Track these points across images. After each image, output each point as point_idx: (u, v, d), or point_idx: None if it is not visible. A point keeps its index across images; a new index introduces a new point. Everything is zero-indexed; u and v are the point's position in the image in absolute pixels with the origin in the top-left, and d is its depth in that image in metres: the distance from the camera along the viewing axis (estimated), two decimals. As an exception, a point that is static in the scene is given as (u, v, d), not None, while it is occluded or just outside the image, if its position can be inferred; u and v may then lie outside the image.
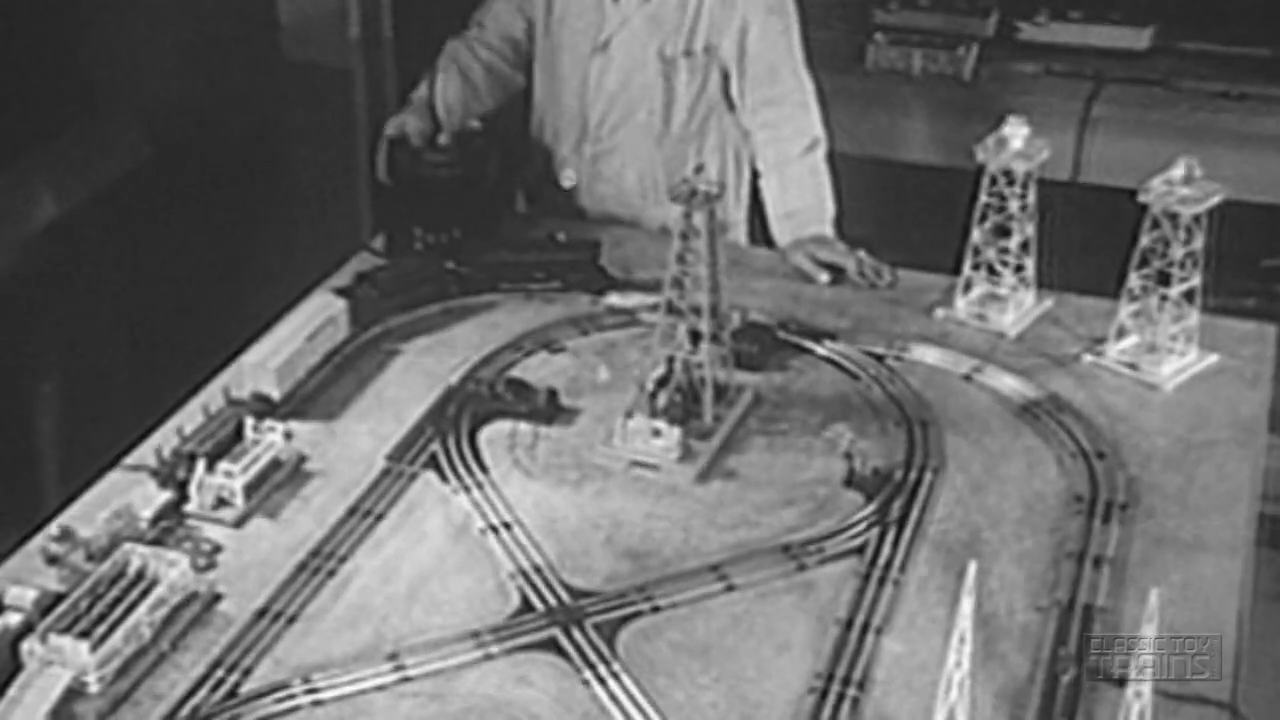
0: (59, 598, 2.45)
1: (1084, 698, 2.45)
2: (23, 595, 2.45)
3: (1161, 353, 2.80)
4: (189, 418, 2.76)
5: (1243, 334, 3.03)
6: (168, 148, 4.93)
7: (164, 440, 2.61)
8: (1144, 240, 2.75)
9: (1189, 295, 2.78)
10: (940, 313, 3.15)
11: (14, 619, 2.14)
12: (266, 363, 2.66)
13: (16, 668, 2.41)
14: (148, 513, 2.42)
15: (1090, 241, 3.96)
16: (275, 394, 2.62)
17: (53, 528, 2.57)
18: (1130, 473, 2.64)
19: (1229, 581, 2.37)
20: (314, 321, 2.74)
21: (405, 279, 3.48)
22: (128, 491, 2.54)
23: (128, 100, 4.64)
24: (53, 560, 2.54)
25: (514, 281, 3.04)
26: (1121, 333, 2.89)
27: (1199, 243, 2.68)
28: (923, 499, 2.61)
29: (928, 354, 2.98)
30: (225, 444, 2.57)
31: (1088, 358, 2.93)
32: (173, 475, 2.44)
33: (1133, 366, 2.85)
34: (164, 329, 4.65)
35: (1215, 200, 2.65)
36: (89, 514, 2.49)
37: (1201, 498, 2.55)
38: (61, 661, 2.32)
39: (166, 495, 2.49)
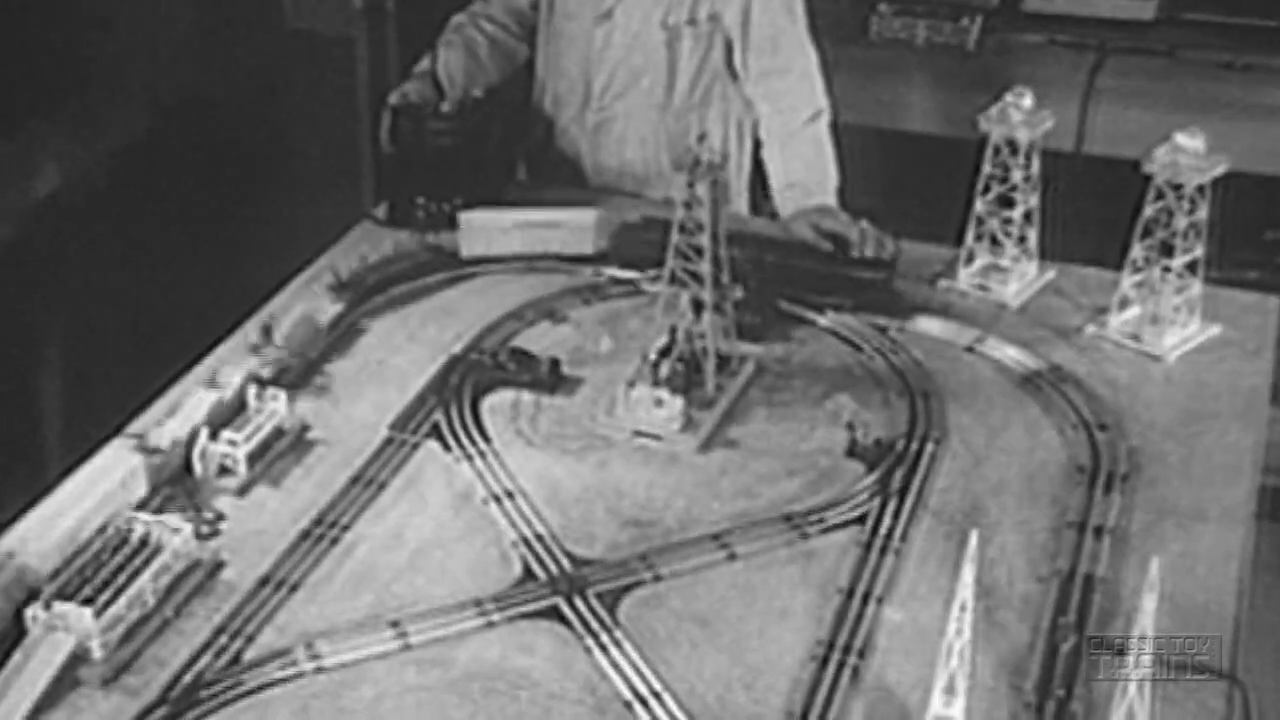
0: (260, 381, 2.92)
1: (1084, 667, 2.45)
2: (232, 375, 2.91)
3: (1164, 324, 2.79)
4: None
5: (1245, 305, 3.02)
6: (169, 116, 4.91)
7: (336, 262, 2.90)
8: (1147, 211, 2.74)
9: (1192, 266, 2.77)
10: (943, 283, 3.14)
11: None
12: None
13: (20, 633, 2.42)
14: (325, 319, 3.14)
15: (1093, 212, 3.94)
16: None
17: (258, 321, 3.13)
18: (1131, 443, 2.63)
19: (1229, 552, 2.37)
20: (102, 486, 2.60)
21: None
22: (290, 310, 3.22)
23: (129, 69, 4.61)
24: (254, 349, 3.03)
25: (798, 291, 2.93)
26: (1124, 304, 2.88)
27: (1203, 213, 2.67)
28: (924, 469, 2.60)
29: (930, 325, 2.96)
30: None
31: (1090, 329, 2.92)
32: (345, 287, 3.15)
33: (1135, 338, 2.85)
34: (165, 299, 4.64)
35: (1219, 171, 2.64)
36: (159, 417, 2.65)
37: (1203, 469, 2.55)
38: (65, 628, 2.32)
39: (339, 308, 3.18)
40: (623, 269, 3.30)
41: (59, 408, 4.77)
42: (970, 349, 2.94)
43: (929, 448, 2.67)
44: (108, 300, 4.66)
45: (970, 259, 3.04)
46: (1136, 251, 2.81)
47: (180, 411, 2.52)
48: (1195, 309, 2.83)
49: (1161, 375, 2.87)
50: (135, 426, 2.64)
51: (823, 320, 3.02)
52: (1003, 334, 2.98)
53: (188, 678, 2.50)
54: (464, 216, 2.90)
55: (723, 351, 2.74)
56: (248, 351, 3.03)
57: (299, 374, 3.13)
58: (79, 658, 2.49)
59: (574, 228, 2.98)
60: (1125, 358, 2.88)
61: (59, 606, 2.43)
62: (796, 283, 2.96)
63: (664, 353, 2.72)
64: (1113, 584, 2.38)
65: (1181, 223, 2.68)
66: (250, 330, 2.77)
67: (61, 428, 4.68)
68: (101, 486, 2.42)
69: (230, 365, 2.96)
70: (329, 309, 2.84)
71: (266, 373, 2.93)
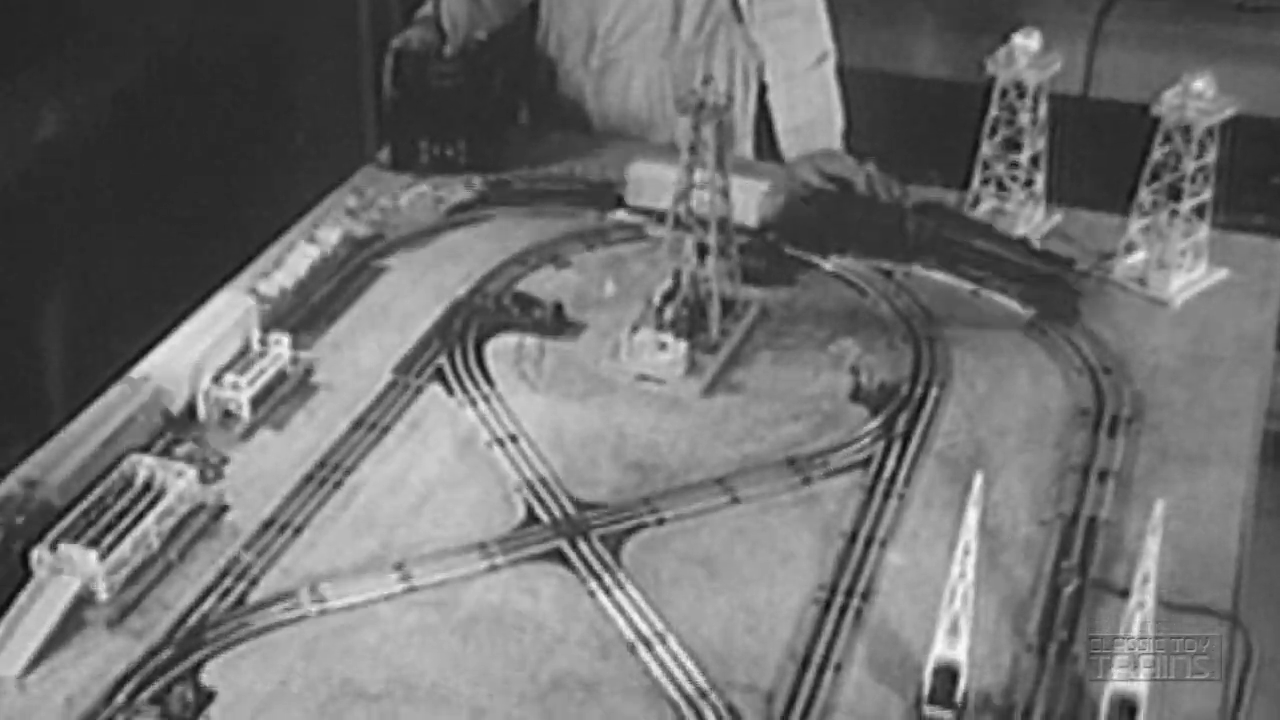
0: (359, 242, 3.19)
1: (1086, 609, 2.44)
2: (330, 233, 3.22)
3: (1170, 268, 2.77)
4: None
5: (1252, 250, 3.00)
6: (170, 61, 4.87)
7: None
8: (1155, 154, 2.71)
9: (1199, 210, 2.75)
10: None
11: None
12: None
13: (25, 575, 2.43)
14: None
15: (1101, 156, 3.91)
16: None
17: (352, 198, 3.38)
18: (1136, 388, 2.62)
19: (1232, 495, 2.36)
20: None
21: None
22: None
23: (129, 13, 4.58)
24: (350, 212, 3.37)
25: (979, 271, 2.87)
26: (1130, 248, 2.86)
27: (1211, 157, 2.64)
28: (928, 413, 2.59)
29: (935, 269, 2.94)
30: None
31: (1096, 273, 2.90)
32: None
33: (1141, 282, 2.83)
34: (168, 244, 4.62)
35: (1228, 114, 2.61)
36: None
37: (1207, 413, 2.54)
38: (70, 570, 2.33)
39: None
40: (783, 242, 3.27)
41: (61, 351, 4.77)
42: (975, 293, 2.92)
43: (933, 392, 2.66)
44: (110, 244, 4.64)
45: (976, 203, 3.02)
46: (1144, 195, 2.78)
47: (285, 265, 3.09)
48: (1202, 253, 2.81)
49: (1167, 319, 2.85)
50: (244, 278, 2.84)
51: (827, 264, 3.01)
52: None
53: (193, 620, 2.50)
54: (634, 167, 2.92)
55: (727, 295, 2.72)
56: (344, 213, 3.33)
57: (304, 317, 3.12)
58: (84, 600, 2.49)
59: (741, 195, 2.95)
60: (1131, 302, 2.87)
61: (64, 548, 2.44)
62: (968, 261, 2.91)
63: (668, 297, 2.70)
64: (1116, 527, 2.37)
65: (1189, 166, 2.65)
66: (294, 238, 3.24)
67: (68, 372, 4.67)
68: (221, 324, 2.58)
69: (328, 224, 3.26)
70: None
71: (361, 231, 3.25)
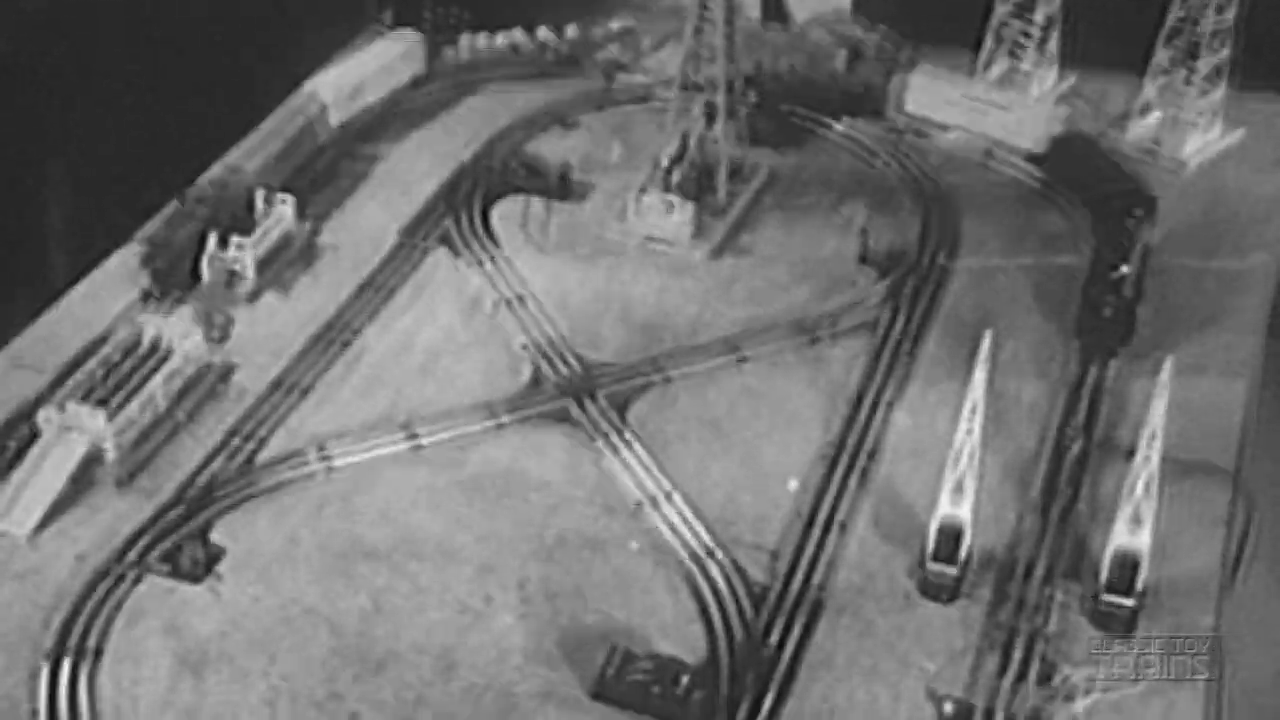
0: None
1: (1091, 470, 2.47)
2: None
3: (1185, 129, 2.74)
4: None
5: (1270, 113, 2.98)
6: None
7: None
8: (1174, 12, 2.66)
9: (1217, 71, 2.70)
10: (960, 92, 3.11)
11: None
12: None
13: (34, 435, 2.45)
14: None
15: (1117, 17, 3.84)
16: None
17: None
18: (1146, 250, 2.62)
19: (1240, 359, 2.37)
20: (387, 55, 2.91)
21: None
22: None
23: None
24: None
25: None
26: (1145, 109, 2.82)
27: (1231, 14, 2.59)
28: (937, 278, 2.59)
29: (946, 134, 2.94)
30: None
31: (1110, 135, 2.89)
32: None
33: (1155, 144, 2.80)
34: (171, 108, 4.59)
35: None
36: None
37: (1218, 276, 2.54)
38: (79, 429, 2.35)
39: None
40: (1055, 180, 3.24)
41: (64, 219, 4.77)
42: (987, 157, 2.91)
43: (942, 256, 2.66)
44: (113, 111, 4.61)
45: (989, 65, 2.99)
46: (1160, 55, 2.73)
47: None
48: (1218, 115, 2.77)
49: (1181, 182, 2.84)
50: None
51: (837, 128, 3.01)
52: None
53: (202, 479, 2.52)
54: (918, 71, 2.92)
55: (735, 159, 2.71)
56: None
57: (313, 178, 3.15)
58: (94, 459, 2.51)
59: (1024, 121, 2.90)
60: (1145, 164, 2.85)
61: (72, 408, 2.44)
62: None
63: (676, 159, 2.69)
64: (1122, 391, 2.40)
65: (1208, 26, 2.60)
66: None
67: (71, 237, 4.67)
68: (389, 54, 2.72)
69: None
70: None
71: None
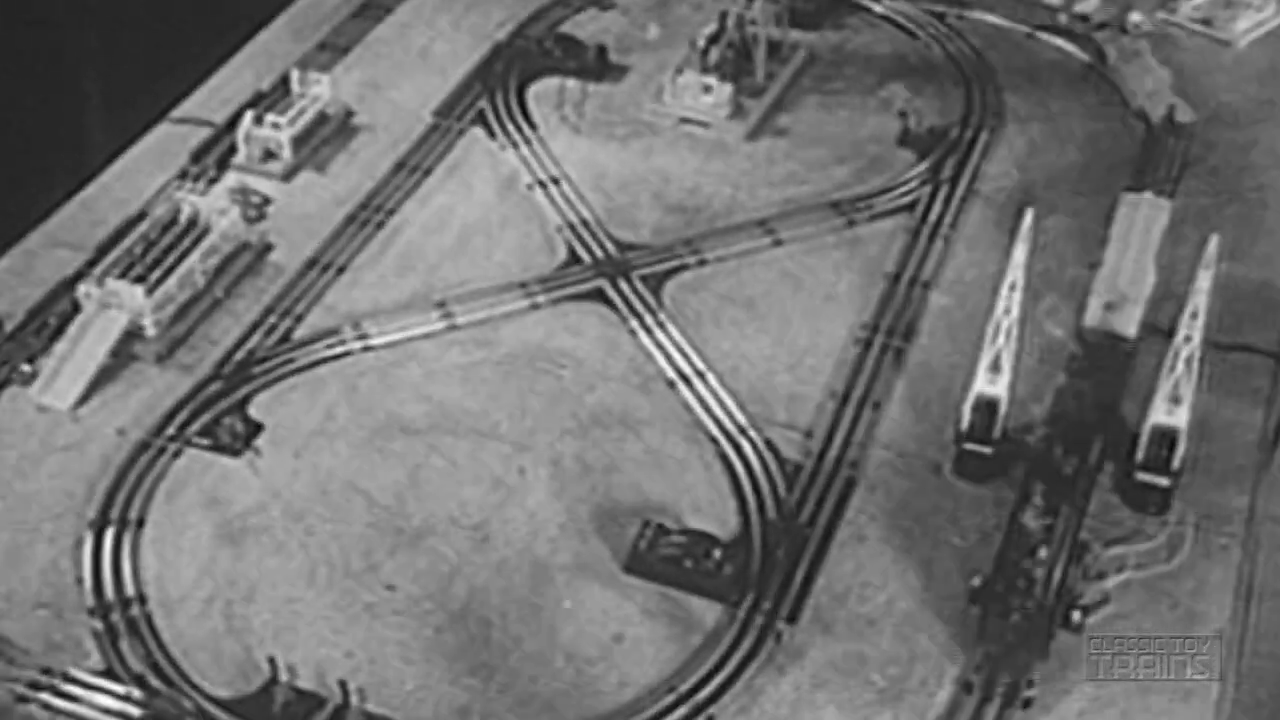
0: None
1: (1131, 349, 2.38)
2: None
3: (1238, 8, 2.61)
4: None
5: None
6: None
7: None
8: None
9: (1272, -53, 2.58)
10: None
11: None
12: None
13: (75, 309, 2.42)
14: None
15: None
16: None
17: None
18: (1194, 129, 2.51)
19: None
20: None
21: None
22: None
23: None
24: None
25: None
26: (1196, -14, 2.68)
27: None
28: (977, 157, 2.49)
29: (990, 12, 2.81)
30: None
31: (1160, 14, 2.75)
32: None
33: (1206, 22, 2.67)
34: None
35: None
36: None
37: (1265, 155, 2.44)
38: (118, 305, 2.29)
39: None
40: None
41: (103, 95, 4.75)
42: (1030, 36, 2.79)
43: (983, 136, 2.56)
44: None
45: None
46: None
47: None
48: (1273, -5, 2.64)
49: (1231, 60, 2.72)
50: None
51: (878, 7, 2.88)
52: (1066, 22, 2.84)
53: (239, 355, 2.50)
54: None
55: (774, 38, 2.60)
56: None
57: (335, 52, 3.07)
58: (133, 334, 2.49)
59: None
60: (1195, 43, 2.73)
61: (111, 283, 2.40)
62: None
63: (713, 39, 2.59)
64: (1166, 268, 2.30)
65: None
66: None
67: (107, 113, 4.64)
68: None
69: None
70: None
71: None
